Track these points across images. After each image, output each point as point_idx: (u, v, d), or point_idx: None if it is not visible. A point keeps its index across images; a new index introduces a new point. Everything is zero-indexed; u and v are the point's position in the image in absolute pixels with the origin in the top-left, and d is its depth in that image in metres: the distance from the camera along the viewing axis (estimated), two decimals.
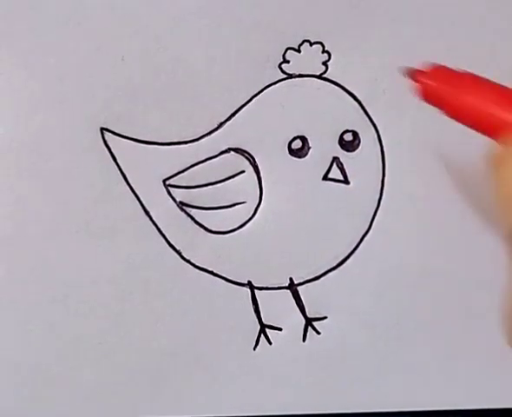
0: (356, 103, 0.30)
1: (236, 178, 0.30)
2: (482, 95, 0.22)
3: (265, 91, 0.30)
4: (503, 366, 0.31)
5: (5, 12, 0.30)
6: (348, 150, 0.30)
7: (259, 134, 0.30)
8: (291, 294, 0.31)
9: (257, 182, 0.30)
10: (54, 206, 0.30)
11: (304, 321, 0.31)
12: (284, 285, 0.31)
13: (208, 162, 0.30)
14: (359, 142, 0.30)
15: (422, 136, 0.30)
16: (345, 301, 0.31)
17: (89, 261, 0.31)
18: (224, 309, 0.31)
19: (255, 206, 0.31)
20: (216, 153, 0.30)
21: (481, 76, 0.22)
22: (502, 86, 0.21)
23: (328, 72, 0.30)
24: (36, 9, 0.30)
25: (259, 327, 0.31)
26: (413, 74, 0.24)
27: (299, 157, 0.30)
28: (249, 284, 0.31)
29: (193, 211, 0.31)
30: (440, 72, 0.24)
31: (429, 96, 0.24)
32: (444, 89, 0.23)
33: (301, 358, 0.32)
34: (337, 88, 0.30)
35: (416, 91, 0.24)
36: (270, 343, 0.31)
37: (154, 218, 0.31)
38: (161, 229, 0.31)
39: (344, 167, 0.30)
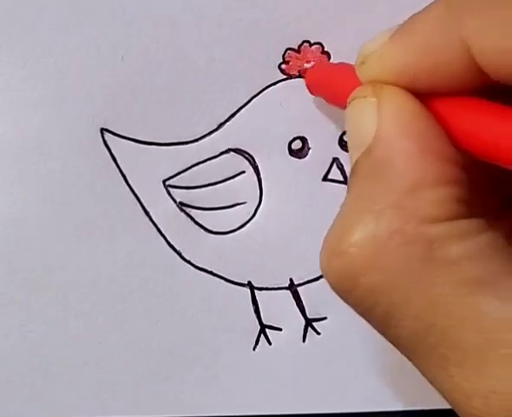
0: None
1: (236, 179, 0.30)
2: (339, 79, 0.25)
3: (264, 92, 0.30)
4: None
5: (5, 12, 0.30)
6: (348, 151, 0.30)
7: (259, 134, 0.30)
8: (291, 294, 0.31)
9: (257, 182, 0.30)
10: (54, 206, 0.30)
11: (304, 322, 0.31)
12: (284, 285, 0.31)
13: (208, 162, 0.30)
14: None
15: None
16: None
17: (89, 261, 0.31)
18: (224, 309, 0.31)
19: (255, 206, 0.31)
20: (216, 153, 0.30)
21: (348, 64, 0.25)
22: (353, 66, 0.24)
23: None
24: (36, 9, 0.30)
25: (258, 327, 0.31)
26: (304, 73, 0.30)
27: (299, 158, 0.30)
28: (249, 284, 0.31)
29: (192, 211, 0.31)
30: (319, 67, 0.29)
31: (312, 89, 0.29)
32: (317, 80, 0.28)
33: (301, 358, 0.32)
34: None
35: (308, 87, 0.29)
36: (270, 343, 0.31)
37: (153, 218, 0.31)
38: (161, 230, 0.31)
39: (345, 167, 0.30)
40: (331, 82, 0.27)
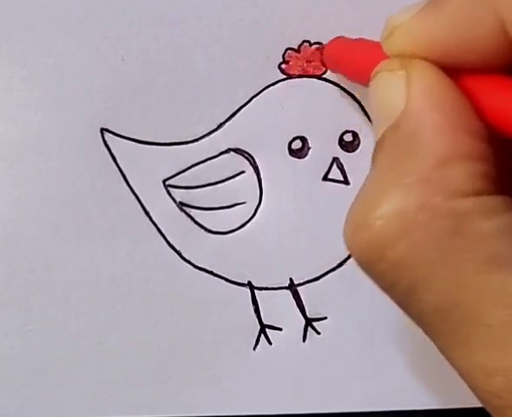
0: (356, 104, 0.30)
1: (236, 178, 0.30)
2: (361, 53, 0.25)
3: (264, 91, 0.30)
4: None
5: (5, 12, 0.30)
6: (348, 151, 0.30)
7: (259, 134, 0.30)
8: (291, 294, 0.31)
9: (257, 182, 0.30)
10: (54, 206, 0.30)
11: (304, 322, 0.31)
12: (284, 285, 0.31)
13: (208, 162, 0.30)
14: (359, 142, 0.30)
15: None
16: (345, 301, 0.31)
17: (89, 261, 0.31)
18: (224, 309, 0.31)
19: (255, 206, 0.31)
20: (216, 153, 0.30)
21: (372, 39, 0.24)
22: (375, 43, 0.24)
23: (328, 72, 0.30)
24: (36, 9, 0.30)
25: (259, 327, 0.31)
26: (321, 50, 0.29)
27: (299, 158, 0.30)
28: (249, 284, 0.31)
29: (192, 211, 0.31)
30: (337, 42, 0.28)
31: (330, 64, 0.29)
32: (337, 55, 0.28)
33: (301, 358, 0.32)
34: (336, 88, 0.30)
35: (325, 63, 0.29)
36: (270, 343, 0.31)
37: (153, 218, 0.31)
38: (161, 229, 0.31)
39: (344, 167, 0.30)
40: (352, 57, 0.26)
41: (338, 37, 0.29)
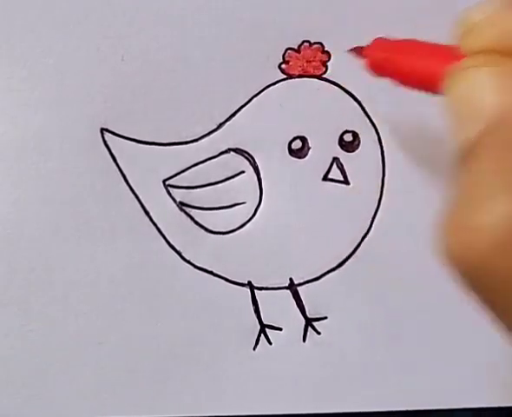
0: (356, 104, 0.30)
1: (236, 178, 0.30)
2: (420, 55, 0.23)
3: (264, 91, 0.30)
4: (502, 365, 0.31)
5: (5, 12, 0.30)
6: (348, 151, 0.30)
7: (259, 134, 0.30)
8: (291, 294, 0.31)
9: (257, 182, 0.31)
10: (54, 206, 0.30)
11: (304, 321, 0.31)
12: (284, 285, 0.31)
13: (208, 162, 0.30)
14: (359, 142, 0.30)
15: (422, 136, 0.30)
16: (345, 301, 0.31)
17: (89, 261, 0.31)
18: (224, 309, 0.31)
19: (255, 206, 0.31)
20: (216, 153, 0.30)
21: (422, 40, 0.23)
22: (437, 44, 0.22)
23: (328, 72, 0.30)
24: (36, 9, 0.30)
25: (259, 327, 0.31)
26: (359, 51, 0.26)
27: (299, 158, 0.30)
28: (249, 284, 0.31)
29: (192, 211, 0.31)
30: (381, 44, 0.26)
31: (376, 68, 0.26)
32: (387, 57, 0.25)
33: (301, 358, 0.32)
34: (336, 88, 0.30)
35: (366, 66, 0.26)
36: (270, 343, 0.31)
37: (153, 218, 0.31)
38: (161, 230, 0.31)
39: (344, 167, 0.30)
40: (408, 60, 0.24)
41: (378, 39, 0.26)
